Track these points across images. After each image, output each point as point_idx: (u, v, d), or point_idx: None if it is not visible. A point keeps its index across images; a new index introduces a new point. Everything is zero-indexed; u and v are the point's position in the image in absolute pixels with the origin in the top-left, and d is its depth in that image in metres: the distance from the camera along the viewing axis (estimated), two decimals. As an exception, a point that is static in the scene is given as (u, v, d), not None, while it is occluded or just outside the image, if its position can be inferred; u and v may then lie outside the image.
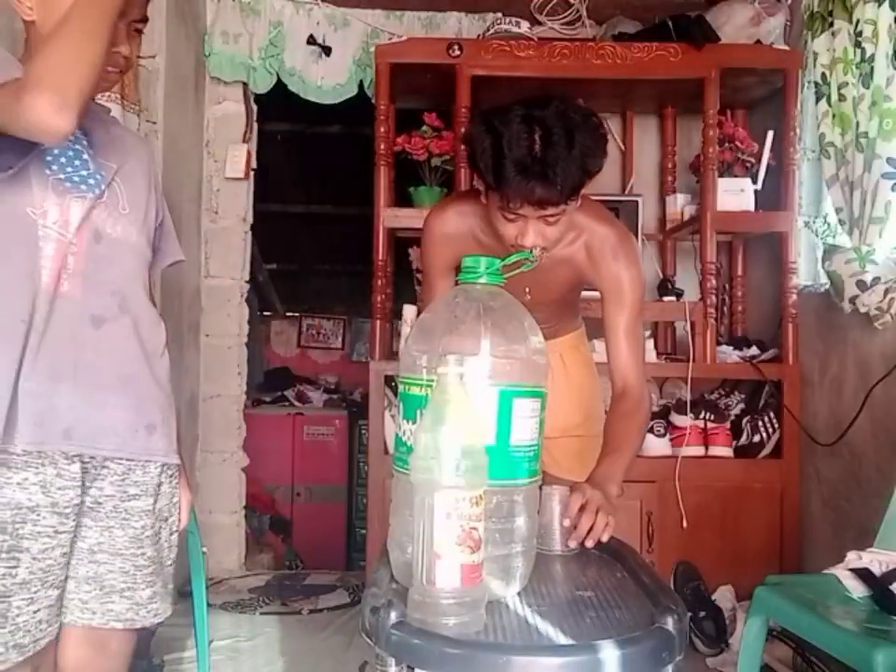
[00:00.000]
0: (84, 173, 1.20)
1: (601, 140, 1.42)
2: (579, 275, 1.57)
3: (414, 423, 1.02)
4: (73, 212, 1.17)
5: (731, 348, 2.68)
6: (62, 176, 1.17)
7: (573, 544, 1.20)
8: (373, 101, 2.83)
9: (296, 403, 4.89)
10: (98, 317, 1.18)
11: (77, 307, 1.16)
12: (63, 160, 1.18)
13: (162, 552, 1.28)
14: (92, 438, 1.16)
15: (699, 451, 2.54)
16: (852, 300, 2.17)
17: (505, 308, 1.07)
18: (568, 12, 3.04)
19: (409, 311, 2.57)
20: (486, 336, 1.01)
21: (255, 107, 3.28)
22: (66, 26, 1.02)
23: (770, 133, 2.60)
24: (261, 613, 2.82)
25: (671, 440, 2.54)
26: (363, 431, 4.43)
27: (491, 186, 1.36)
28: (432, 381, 0.97)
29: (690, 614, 1.38)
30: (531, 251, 1.26)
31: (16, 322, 1.10)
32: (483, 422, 0.99)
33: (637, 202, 2.63)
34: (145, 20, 1.23)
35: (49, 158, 1.16)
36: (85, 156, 1.20)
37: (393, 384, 2.53)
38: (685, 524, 2.46)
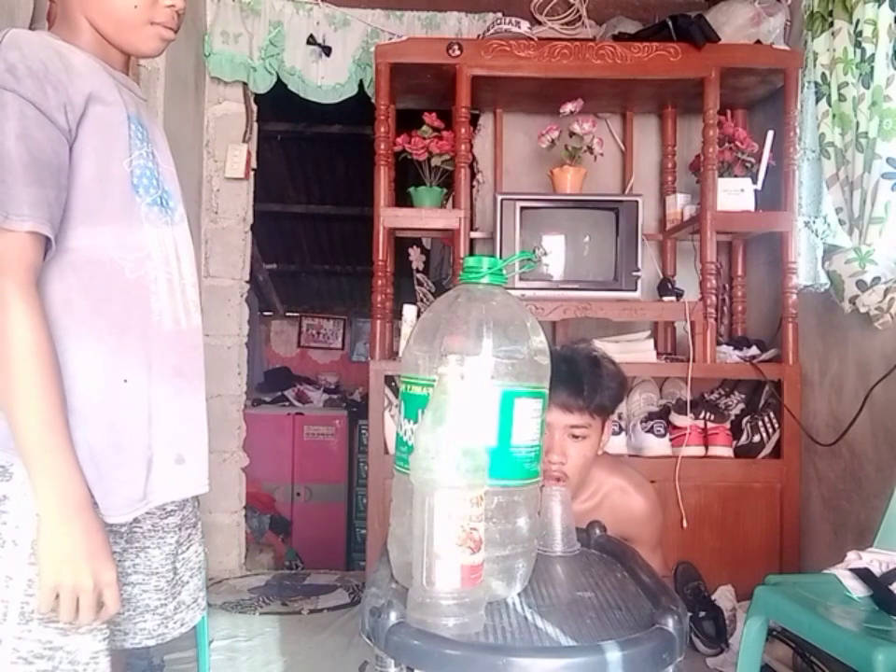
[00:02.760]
0: (168, 188, 1.13)
1: (621, 376, 1.65)
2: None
3: (416, 422, 1.01)
4: (167, 241, 1.10)
5: (731, 348, 2.68)
6: (149, 200, 1.07)
7: None
8: (373, 101, 2.83)
9: (296, 403, 4.90)
10: (192, 340, 1.14)
11: (184, 335, 1.12)
12: (145, 180, 1.07)
13: (190, 561, 1.21)
14: None
15: (699, 451, 2.54)
16: (852, 300, 2.17)
17: (507, 308, 1.07)
18: (568, 12, 3.04)
19: (409, 311, 2.57)
20: (488, 336, 1.01)
21: (255, 107, 3.28)
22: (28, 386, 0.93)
23: (770, 133, 2.59)
24: (261, 613, 2.82)
25: (671, 440, 2.54)
26: (363, 431, 4.44)
27: None
28: (433, 380, 0.97)
29: (690, 614, 1.38)
30: (534, 251, 1.29)
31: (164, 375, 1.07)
32: (484, 422, 0.99)
33: (636, 202, 2.63)
34: None
35: (134, 181, 1.05)
36: (156, 167, 1.11)
37: (393, 384, 2.52)
38: (685, 524, 2.46)
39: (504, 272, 1.08)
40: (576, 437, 1.56)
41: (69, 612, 0.93)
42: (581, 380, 1.54)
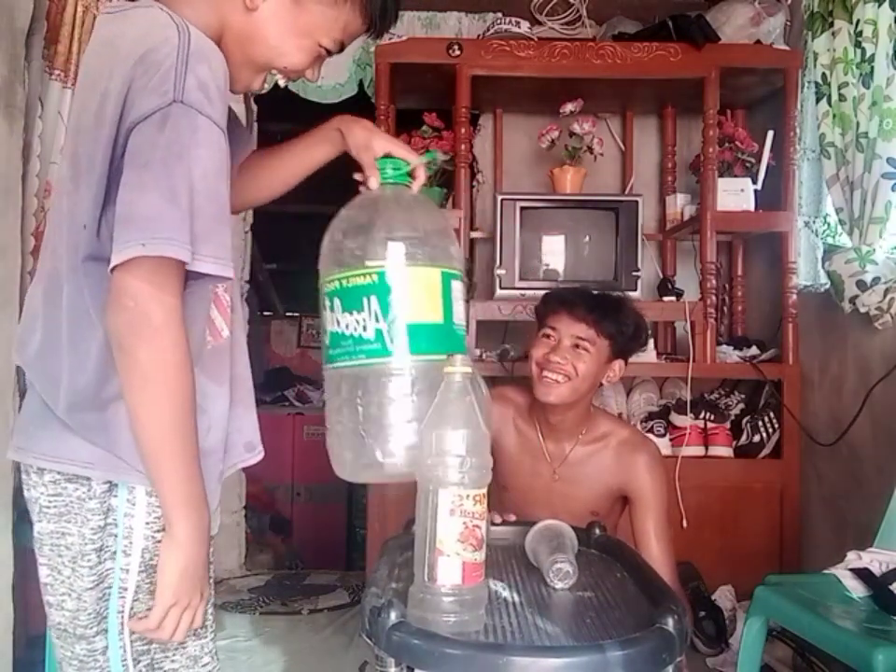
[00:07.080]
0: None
1: (641, 325, 1.70)
2: (606, 484, 1.68)
3: (361, 312, 1.01)
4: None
5: (731, 348, 2.68)
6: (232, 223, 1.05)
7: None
8: (373, 101, 2.83)
9: (296, 403, 4.89)
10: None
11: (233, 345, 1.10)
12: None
13: None
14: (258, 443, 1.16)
15: (699, 451, 2.54)
16: (852, 300, 2.17)
17: (426, 201, 1.18)
18: (568, 12, 3.04)
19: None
20: (421, 222, 1.07)
21: (255, 107, 3.27)
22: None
23: (770, 133, 2.59)
24: (261, 613, 2.82)
25: (671, 440, 2.54)
26: (363, 431, 4.43)
27: (540, 315, 1.69)
28: (379, 267, 1.01)
29: (690, 614, 1.38)
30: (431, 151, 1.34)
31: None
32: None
33: (636, 202, 2.63)
34: (341, 49, 1.08)
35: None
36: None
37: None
38: (685, 524, 2.46)
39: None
40: (578, 348, 1.60)
41: (171, 630, 0.96)
42: (599, 299, 1.64)
